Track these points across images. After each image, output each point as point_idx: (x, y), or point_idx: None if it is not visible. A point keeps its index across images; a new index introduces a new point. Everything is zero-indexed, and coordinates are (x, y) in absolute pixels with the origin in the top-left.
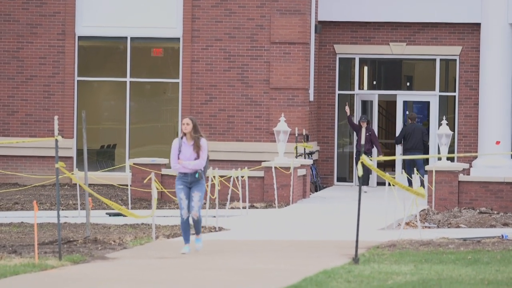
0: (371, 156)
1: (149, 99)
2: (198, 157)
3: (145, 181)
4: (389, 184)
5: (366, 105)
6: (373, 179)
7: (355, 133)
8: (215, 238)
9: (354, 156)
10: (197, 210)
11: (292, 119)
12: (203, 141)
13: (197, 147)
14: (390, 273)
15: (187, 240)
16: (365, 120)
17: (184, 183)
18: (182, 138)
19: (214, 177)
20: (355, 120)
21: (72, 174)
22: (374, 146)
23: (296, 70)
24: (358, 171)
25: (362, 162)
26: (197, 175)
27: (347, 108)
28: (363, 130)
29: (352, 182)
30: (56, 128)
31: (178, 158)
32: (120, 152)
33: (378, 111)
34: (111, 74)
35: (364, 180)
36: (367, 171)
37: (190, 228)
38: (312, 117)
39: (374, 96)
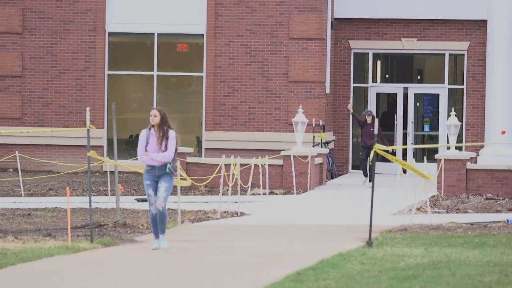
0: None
1: (175, 92)
2: (166, 149)
3: None
4: (404, 171)
5: (379, 97)
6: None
7: (361, 129)
8: (237, 223)
9: (360, 151)
10: (163, 200)
11: (310, 110)
12: (172, 133)
13: (165, 139)
14: (402, 255)
15: (157, 235)
16: (370, 115)
17: (152, 177)
18: (150, 129)
19: (235, 165)
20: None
21: (103, 162)
22: (381, 141)
23: (313, 64)
24: (370, 158)
25: (375, 151)
26: (167, 170)
27: (349, 106)
28: (376, 122)
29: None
30: (88, 118)
31: (146, 150)
32: None
33: (389, 102)
34: (139, 68)
35: (369, 173)
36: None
37: (164, 219)
38: (328, 109)
39: (399, 89)
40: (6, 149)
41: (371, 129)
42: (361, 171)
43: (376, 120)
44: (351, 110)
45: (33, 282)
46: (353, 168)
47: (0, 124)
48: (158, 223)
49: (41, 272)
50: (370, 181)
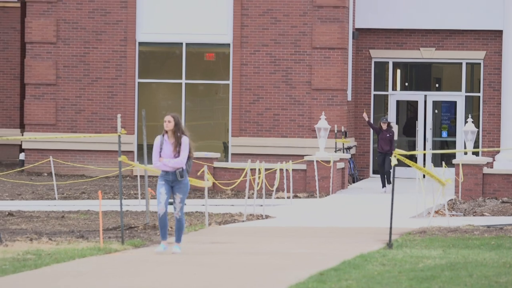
0: (391, 158)
1: (202, 99)
2: (179, 155)
3: (198, 173)
4: (424, 176)
5: (398, 105)
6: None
7: (377, 136)
8: (262, 225)
9: (377, 157)
10: (179, 210)
11: (332, 117)
12: (185, 139)
13: (178, 145)
14: (421, 257)
15: (164, 236)
16: (386, 122)
17: (166, 181)
18: (164, 135)
19: (260, 169)
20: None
21: (133, 167)
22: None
23: (335, 72)
24: (392, 161)
25: (395, 156)
26: (176, 174)
27: (365, 115)
28: (396, 128)
29: None
30: (119, 125)
31: (160, 156)
32: None
33: (407, 109)
34: (168, 76)
35: (387, 178)
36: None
37: (167, 224)
38: (350, 115)
39: (420, 96)
40: (40, 154)
41: (387, 135)
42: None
43: (396, 127)
44: (367, 118)
45: (66, 282)
46: (373, 172)
47: (35, 130)
48: (175, 231)
49: (74, 272)
50: (389, 183)
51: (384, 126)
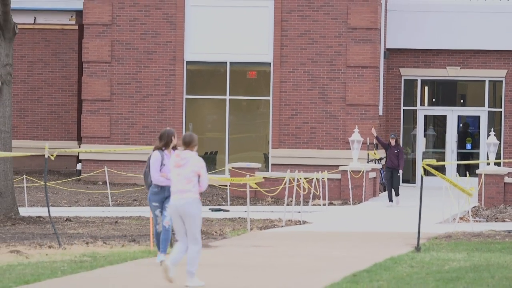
0: (399, 173)
1: (245, 114)
2: None
3: (242, 182)
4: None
5: (426, 119)
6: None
7: (385, 151)
8: (300, 230)
9: (383, 173)
10: (169, 219)
11: (365, 130)
12: None
13: None
14: (447, 259)
15: (165, 250)
16: (394, 138)
17: (160, 198)
18: (164, 151)
19: (300, 178)
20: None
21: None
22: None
23: (367, 89)
24: (421, 172)
25: (423, 166)
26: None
27: (373, 130)
28: (422, 142)
29: (415, 183)
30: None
31: (160, 171)
32: (221, 157)
33: (435, 123)
34: (213, 93)
35: (395, 193)
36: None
37: (169, 238)
38: (381, 129)
39: (448, 112)
40: (96, 164)
41: (395, 151)
42: (410, 184)
43: (424, 140)
44: (375, 134)
45: (120, 282)
46: (403, 181)
47: (91, 143)
48: (161, 242)
49: (127, 273)
50: (397, 195)
51: (393, 142)
